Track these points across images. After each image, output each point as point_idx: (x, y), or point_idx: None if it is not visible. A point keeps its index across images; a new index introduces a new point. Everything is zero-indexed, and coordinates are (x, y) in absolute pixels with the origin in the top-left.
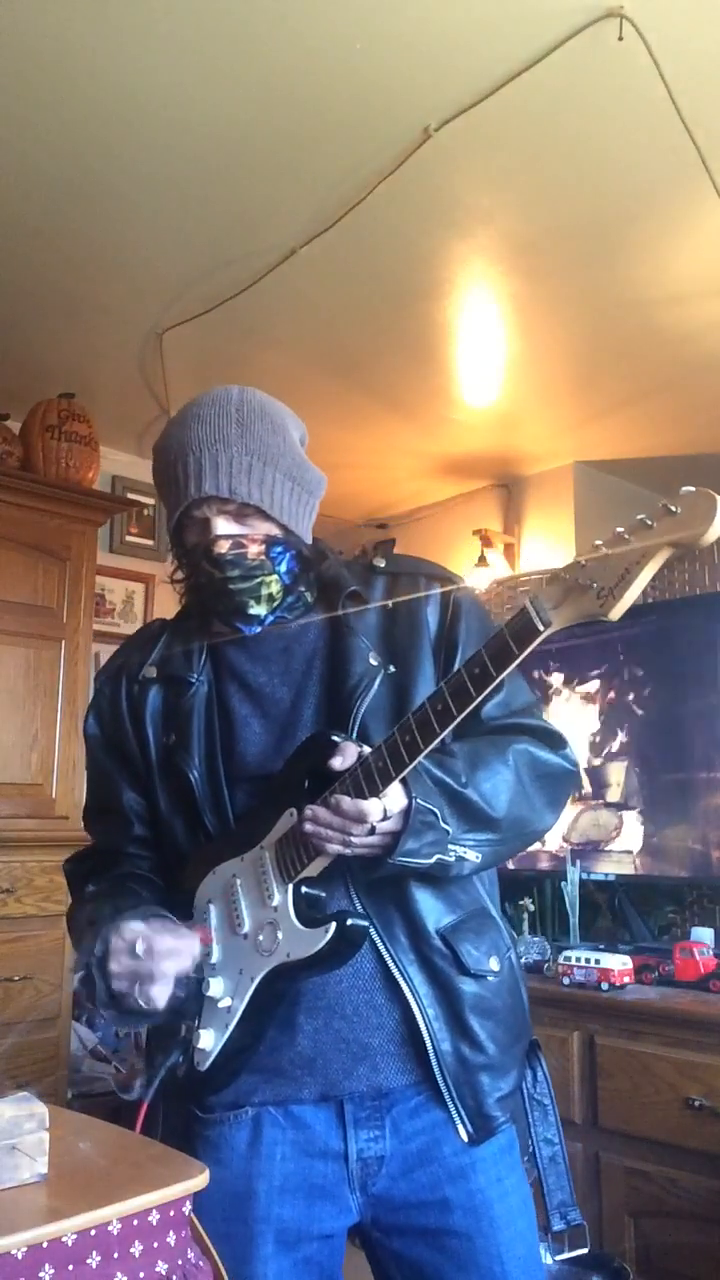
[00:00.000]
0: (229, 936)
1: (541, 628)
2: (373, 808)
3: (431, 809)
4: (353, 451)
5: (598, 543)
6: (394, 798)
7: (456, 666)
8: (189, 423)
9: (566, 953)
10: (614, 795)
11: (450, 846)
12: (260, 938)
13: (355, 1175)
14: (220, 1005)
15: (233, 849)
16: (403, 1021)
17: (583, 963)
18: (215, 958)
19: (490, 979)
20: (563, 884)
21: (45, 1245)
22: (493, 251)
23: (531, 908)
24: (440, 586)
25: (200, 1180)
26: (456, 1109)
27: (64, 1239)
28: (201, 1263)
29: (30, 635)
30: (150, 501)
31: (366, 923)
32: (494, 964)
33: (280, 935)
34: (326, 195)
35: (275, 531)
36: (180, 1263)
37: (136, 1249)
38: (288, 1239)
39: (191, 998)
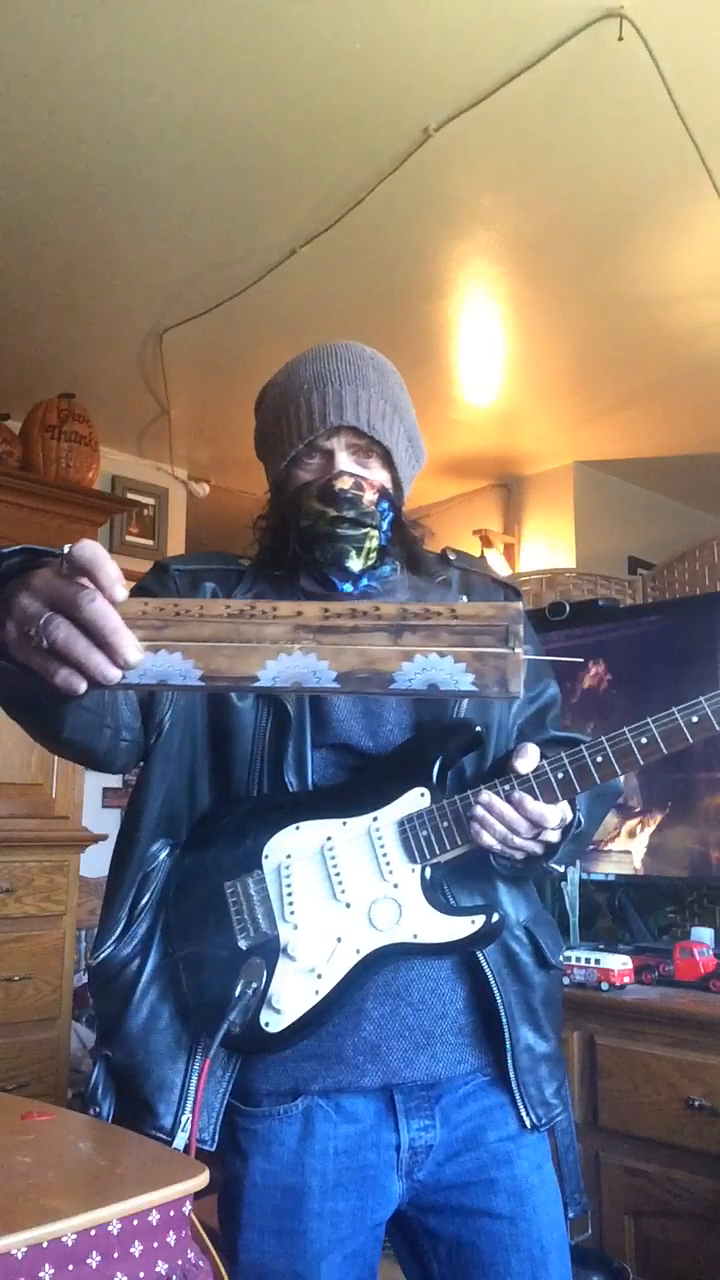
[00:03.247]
0: (323, 900)
1: None
2: (555, 815)
3: (581, 824)
4: None
5: None
6: (566, 809)
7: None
8: (325, 358)
9: (566, 952)
10: None
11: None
12: (373, 911)
13: (404, 1163)
14: (311, 970)
15: (324, 809)
16: (464, 1010)
17: (583, 963)
18: (302, 920)
19: (554, 972)
20: (563, 884)
21: (45, 1245)
22: (493, 252)
23: None
24: (504, 592)
25: (200, 1180)
26: (522, 1097)
27: (64, 1239)
28: (201, 1262)
29: None
30: (150, 501)
31: (507, 920)
32: (561, 958)
33: (403, 913)
34: (326, 195)
35: (389, 483)
36: (180, 1263)
37: (136, 1249)
38: (341, 1234)
39: (257, 957)
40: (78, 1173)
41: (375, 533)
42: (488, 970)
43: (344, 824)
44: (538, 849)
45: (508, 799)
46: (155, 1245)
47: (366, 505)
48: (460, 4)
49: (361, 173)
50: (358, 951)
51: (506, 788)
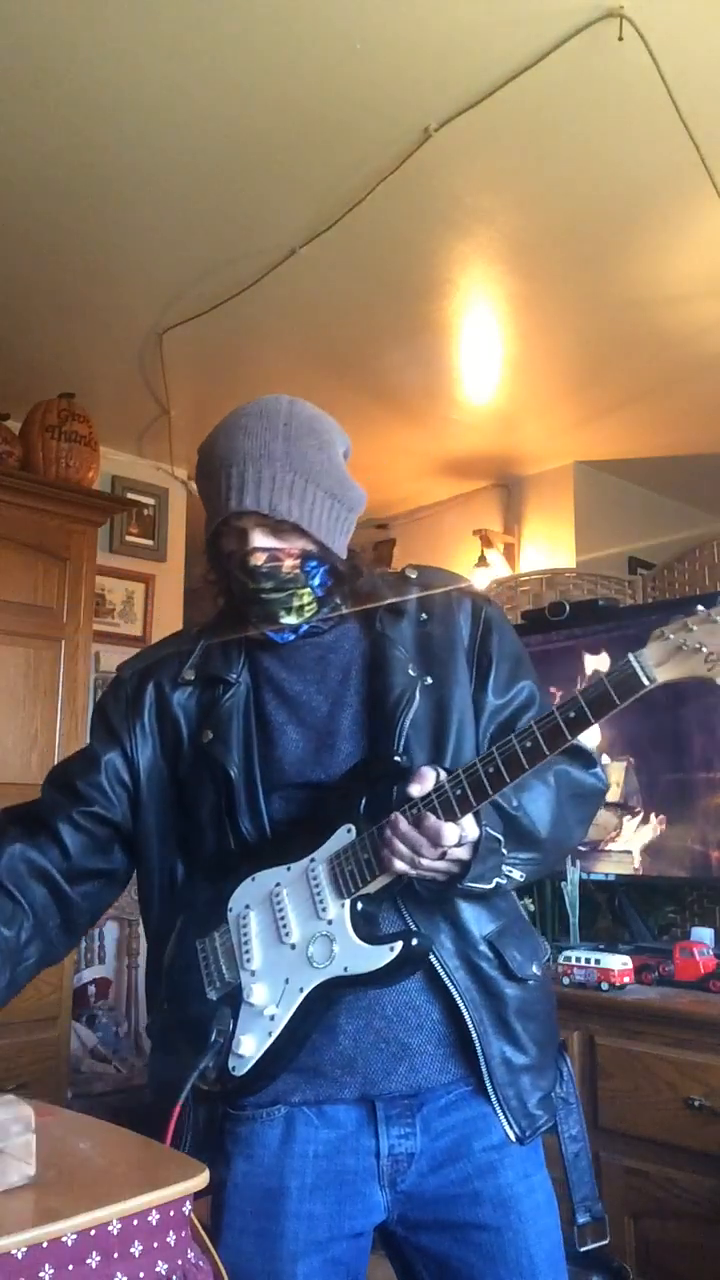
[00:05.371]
0: (272, 945)
1: (646, 683)
2: (452, 833)
3: (496, 836)
4: (353, 452)
5: (704, 609)
6: (469, 826)
7: (491, 680)
8: (235, 434)
9: (566, 953)
10: (614, 795)
11: (503, 868)
12: (311, 950)
13: (385, 1172)
14: (264, 1013)
15: (274, 858)
16: (441, 1021)
17: (583, 963)
18: (256, 964)
19: (531, 983)
20: (563, 884)
21: (45, 1245)
22: (493, 251)
23: (531, 908)
24: (470, 600)
25: (200, 1180)
26: (502, 1110)
27: (64, 1239)
28: (201, 1262)
29: (30, 635)
30: (150, 501)
31: (429, 942)
32: (535, 969)
33: (336, 949)
34: (326, 195)
35: (311, 547)
36: (180, 1263)
37: (136, 1249)
38: (318, 1237)
39: (225, 1005)
40: (78, 1173)
41: (304, 591)
42: (451, 987)
43: (288, 869)
44: (453, 868)
45: (406, 816)
46: (155, 1245)
47: (286, 573)
48: (460, 4)
49: (361, 173)
50: (300, 990)
51: (413, 811)
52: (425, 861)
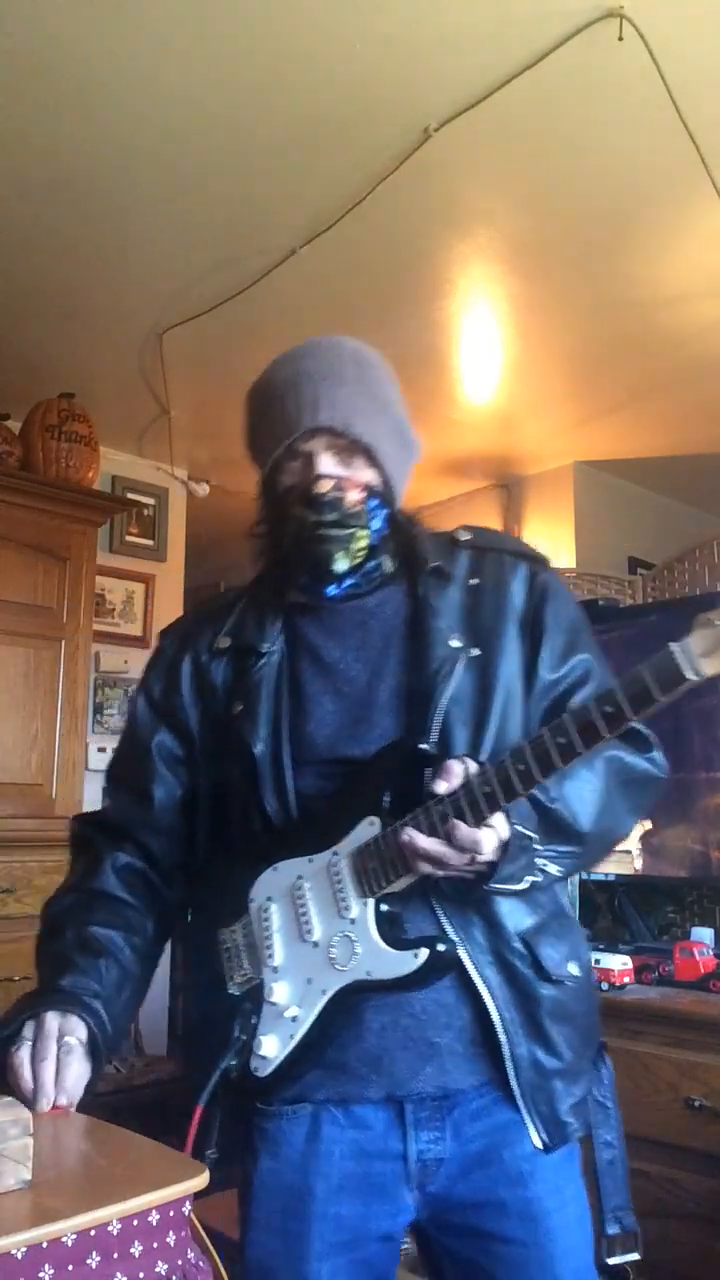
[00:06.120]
0: (294, 942)
1: (691, 676)
2: (488, 840)
3: (528, 834)
4: None
5: None
6: (500, 826)
7: (544, 652)
8: (302, 357)
9: None
10: None
11: (537, 863)
12: (333, 950)
13: (414, 1175)
14: (285, 1014)
15: (297, 847)
16: (473, 1021)
17: None
18: (277, 961)
19: (569, 984)
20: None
21: (45, 1245)
22: (493, 251)
23: None
24: (527, 563)
25: (200, 1180)
26: (530, 1115)
27: (64, 1239)
28: (201, 1263)
29: (30, 635)
30: (150, 501)
31: (457, 949)
32: (573, 969)
33: (358, 951)
34: (326, 195)
35: (376, 481)
36: (180, 1263)
37: (136, 1249)
38: (344, 1238)
39: (248, 1001)
40: (78, 1173)
41: (363, 532)
42: (481, 985)
43: (310, 860)
44: (481, 868)
45: (433, 827)
46: (155, 1245)
47: (350, 507)
48: (460, 4)
49: (361, 173)
50: (323, 992)
51: (439, 810)
52: (451, 864)
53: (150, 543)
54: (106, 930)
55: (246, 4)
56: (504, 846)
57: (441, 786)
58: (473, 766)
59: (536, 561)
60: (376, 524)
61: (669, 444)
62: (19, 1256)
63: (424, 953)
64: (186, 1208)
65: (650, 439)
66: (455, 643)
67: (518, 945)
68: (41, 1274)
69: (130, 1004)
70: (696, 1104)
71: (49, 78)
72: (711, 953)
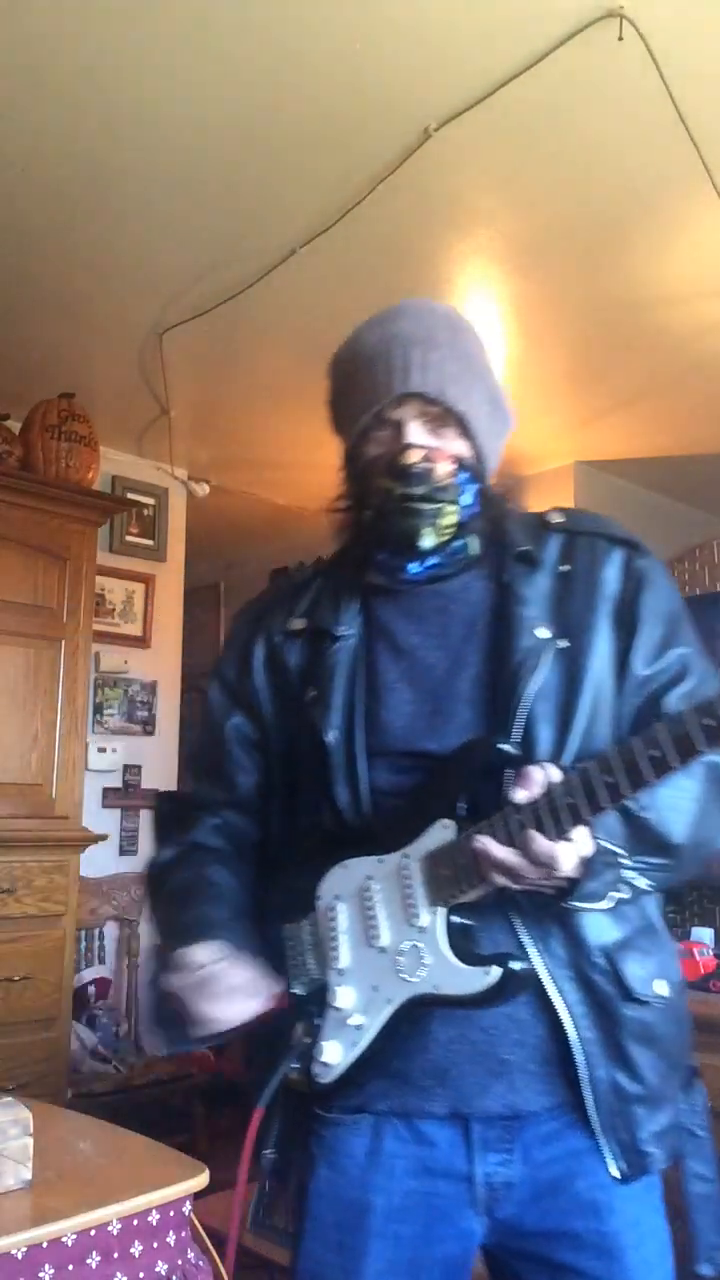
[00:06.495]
0: (361, 945)
1: None
2: (566, 856)
3: (613, 849)
4: None
5: None
6: (582, 841)
7: (638, 645)
8: (394, 319)
9: None
10: None
11: (624, 876)
12: (402, 959)
13: (480, 1199)
14: (350, 1021)
15: (367, 845)
16: (547, 1039)
17: None
18: (344, 964)
19: (655, 1004)
20: None
21: (45, 1245)
22: (493, 251)
23: None
24: (623, 549)
25: (200, 1180)
26: (608, 1143)
27: (64, 1239)
28: (201, 1262)
29: (30, 635)
30: (150, 501)
31: (532, 968)
32: (661, 988)
33: (427, 962)
34: (326, 195)
35: (468, 453)
36: (180, 1263)
37: (136, 1249)
38: (403, 1258)
39: (311, 1003)
40: (78, 1173)
41: (452, 507)
42: (559, 1002)
43: (380, 861)
44: (560, 883)
45: (510, 837)
46: (155, 1245)
47: (440, 479)
48: (460, 4)
49: (361, 173)
50: (389, 1002)
51: (516, 819)
52: (527, 876)
53: (150, 543)
54: (217, 868)
55: (247, 4)
56: (586, 862)
57: (520, 795)
58: (555, 774)
59: (634, 547)
60: (466, 499)
61: (669, 444)
62: (19, 1256)
63: (496, 971)
64: (186, 1208)
65: (650, 439)
66: (543, 633)
67: (600, 960)
68: (41, 1274)
69: (252, 934)
70: None
71: (49, 78)
72: (711, 953)
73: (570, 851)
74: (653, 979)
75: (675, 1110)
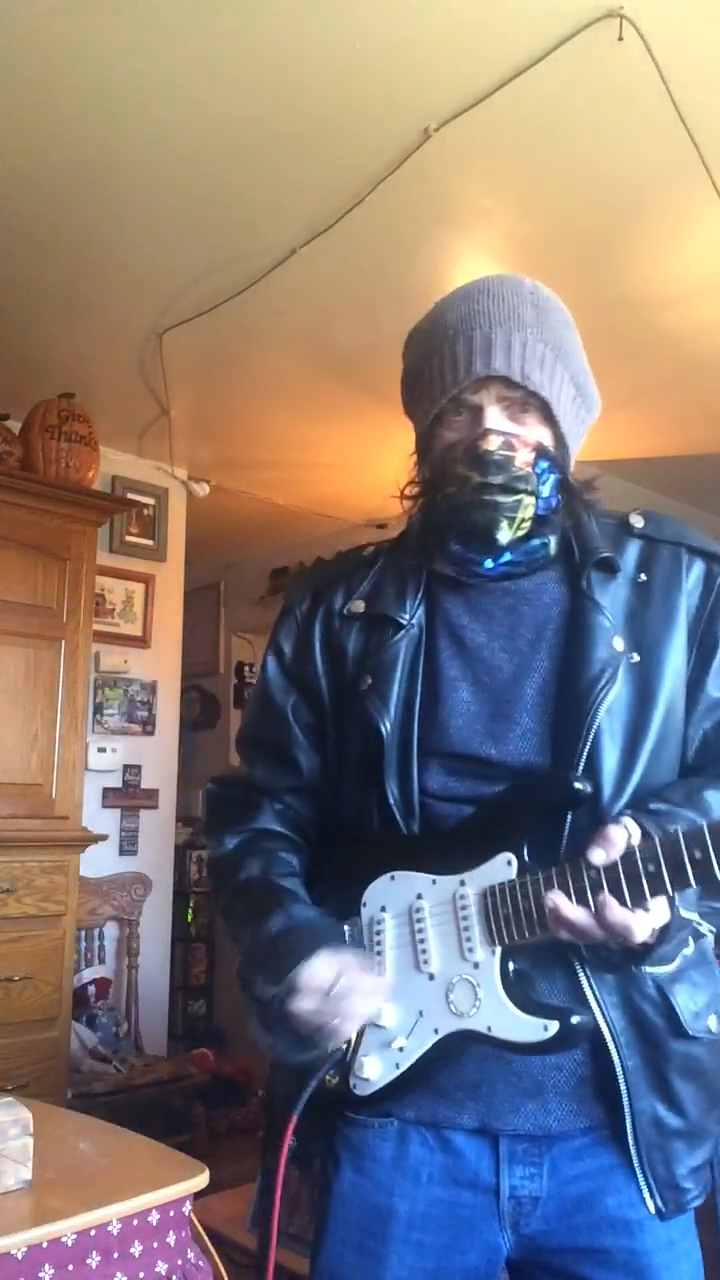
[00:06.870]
0: (409, 968)
1: None
2: (641, 928)
3: (689, 918)
4: (353, 451)
5: None
6: (660, 912)
7: (715, 666)
8: (475, 297)
9: None
10: None
11: (692, 928)
12: (453, 993)
13: (506, 1213)
14: (393, 1044)
15: (420, 859)
16: (585, 1063)
17: None
18: (388, 979)
19: (704, 1038)
20: None
21: (45, 1245)
22: (493, 251)
23: None
24: (705, 561)
25: (200, 1180)
26: (646, 1177)
27: (64, 1239)
28: (201, 1262)
29: (30, 635)
30: (150, 501)
31: (592, 1019)
32: (713, 1023)
33: (480, 1001)
34: (326, 195)
35: (549, 442)
36: (180, 1263)
37: (136, 1249)
38: (426, 1266)
39: None
40: (78, 1173)
41: (530, 499)
42: (605, 1029)
43: (434, 882)
44: (634, 947)
45: (582, 898)
46: (155, 1245)
47: (519, 468)
48: (460, 4)
49: (361, 173)
50: (435, 1031)
51: (591, 876)
52: (595, 938)
53: (150, 543)
54: (290, 857)
55: (247, 4)
56: (662, 930)
57: (598, 856)
58: (635, 833)
59: (717, 560)
60: (546, 490)
61: (669, 444)
62: (19, 1256)
63: (554, 1027)
64: (186, 1208)
65: (650, 439)
66: (618, 644)
67: (651, 991)
68: (41, 1274)
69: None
70: None
71: (50, 78)
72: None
73: (646, 923)
74: (704, 1014)
75: (714, 1145)
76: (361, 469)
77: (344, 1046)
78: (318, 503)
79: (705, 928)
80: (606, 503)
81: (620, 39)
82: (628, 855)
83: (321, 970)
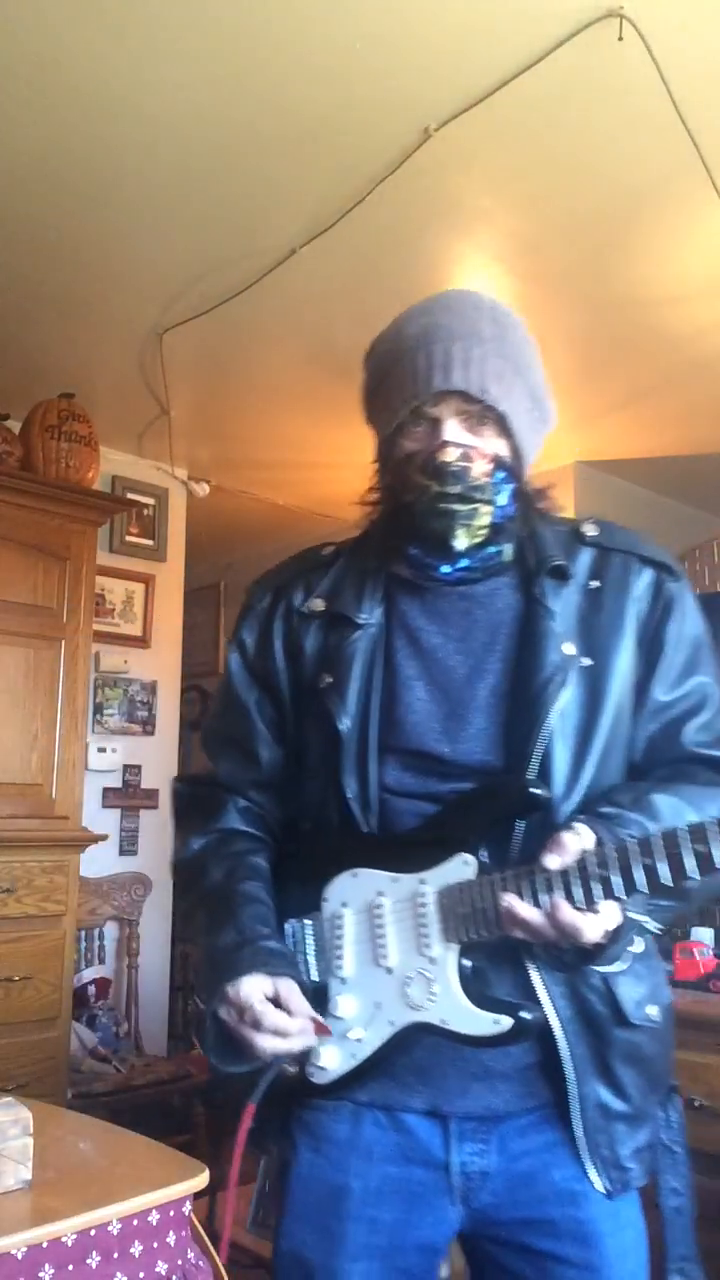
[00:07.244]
0: (367, 962)
1: None
2: (592, 929)
3: (638, 919)
4: (352, 451)
5: None
6: (610, 915)
7: (660, 670)
8: (436, 312)
9: None
10: None
11: (639, 925)
12: (409, 987)
13: (456, 1188)
14: (350, 1035)
15: (379, 857)
16: (531, 1049)
17: None
18: (347, 974)
19: (645, 1026)
20: None
21: (45, 1245)
22: (493, 251)
23: None
24: (655, 570)
25: (200, 1180)
26: (592, 1159)
27: (64, 1239)
28: (201, 1263)
29: (30, 635)
30: (150, 501)
31: (543, 1015)
32: (653, 1011)
33: (435, 994)
34: (326, 195)
35: (506, 453)
36: (180, 1263)
37: (136, 1249)
38: (380, 1242)
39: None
40: (78, 1173)
41: (487, 508)
42: (555, 1022)
43: (394, 880)
44: (585, 946)
45: (535, 899)
46: (155, 1245)
47: (476, 479)
48: (460, 4)
49: (361, 173)
50: (391, 1024)
51: (544, 879)
52: (548, 938)
53: (150, 543)
54: (255, 861)
55: (246, 4)
56: (612, 933)
57: (552, 862)
58: (588, 839)
59: (666, 569)
60: (502, 499)
61: (669, 444)
62: (19, 1256)
63: (506, 1021)
64: (186, 1207)
65: (650, 439)
66: (569, 649)
67: (596, 982)
68: (41, 1274)
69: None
70: (697, 1104)
71: (49, 78)
72: (711, 953)
73: (596, 924)
74: (645, 1003)
75: (655, 1127)
76: (361, 469)
77: (286, 1063)
78: (318, 503)
79: (651, 925)
80: (604, 504)
81: (620, 39)
82: (581, 861)
83: (248, 990)
